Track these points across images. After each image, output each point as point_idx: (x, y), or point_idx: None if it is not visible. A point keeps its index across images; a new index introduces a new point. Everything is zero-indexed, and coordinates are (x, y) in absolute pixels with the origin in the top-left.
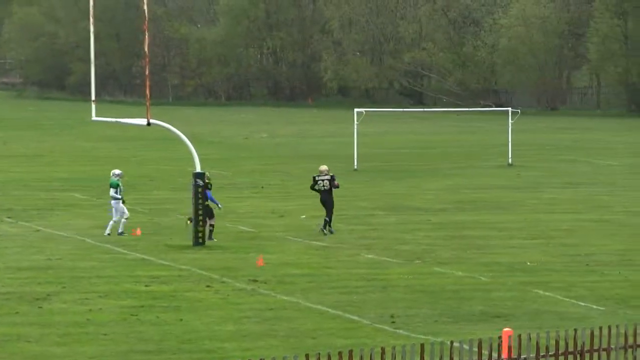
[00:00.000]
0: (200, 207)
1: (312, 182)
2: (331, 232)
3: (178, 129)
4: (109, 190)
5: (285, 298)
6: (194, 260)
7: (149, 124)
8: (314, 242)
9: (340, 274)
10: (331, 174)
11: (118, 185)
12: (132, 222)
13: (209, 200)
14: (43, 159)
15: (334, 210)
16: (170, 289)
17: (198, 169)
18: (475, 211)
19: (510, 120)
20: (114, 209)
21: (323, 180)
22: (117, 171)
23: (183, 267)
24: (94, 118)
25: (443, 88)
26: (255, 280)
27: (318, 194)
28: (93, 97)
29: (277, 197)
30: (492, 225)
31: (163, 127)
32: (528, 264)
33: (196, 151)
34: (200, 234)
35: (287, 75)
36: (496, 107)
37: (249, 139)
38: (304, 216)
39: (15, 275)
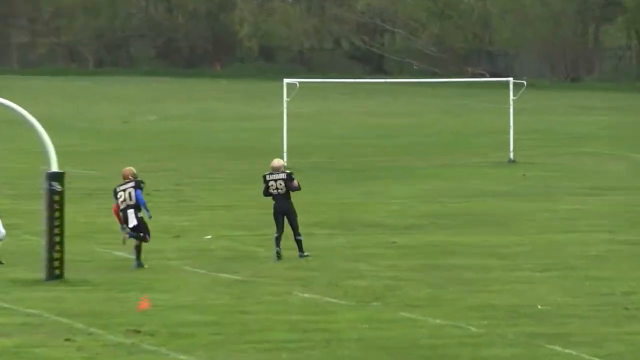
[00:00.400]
0: (57, 223)
1: (262, 185)
2: (307, 255)
3: (25, 109)
4: None
5: (182, 358)
6: (47, 302)
7: None
8: (224, 275)
9: (262, 322)
10: (287, 171)
11: None
12: None
13: (141, 208)
14: None
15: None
16: (13, 343)
17: (54, 168)
18: (461, 229)
19: (511, 97)
20: None
21: (276, 180)
22: None
23: (31, 311)
24: None
25: (413, 49)
26: (138, 332)
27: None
28: None
29: (170, 208)
30: (486, 250)
31: (1, 105)
32: (539, 307)
33: (51, 141)
34: (56, 263)
35: (184, 31)
36: (491, 76)
37: (129, 122)
38: (209, 236)
39: None
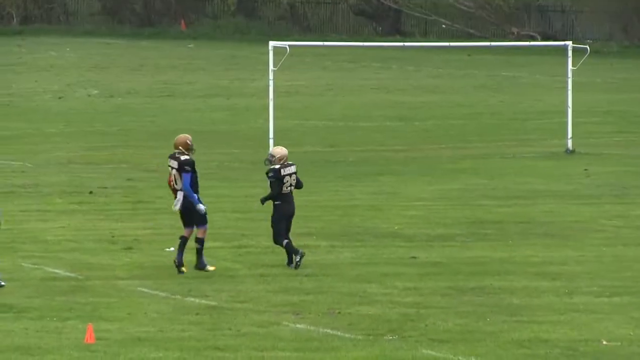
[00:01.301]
0: None
1: (273, 180)
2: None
3: None
4: None
5: None
6: None
7: None
8: (191, 299)
9: None
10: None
11: None
12: None
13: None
14: None
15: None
16: None
17: None
18: (502, 241)
19: (570, 66)
20: None
21: (290, 175)
22: None
23: None
24: None
25: (441, 3)
26: None
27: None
28: None
29: (119, 211)
30: (536, 269)
31: None
32: (604, 343)
33: None
34: None
35: None
36: (543, 40)
37: (63, 98)
38: (171, 248)
39: None
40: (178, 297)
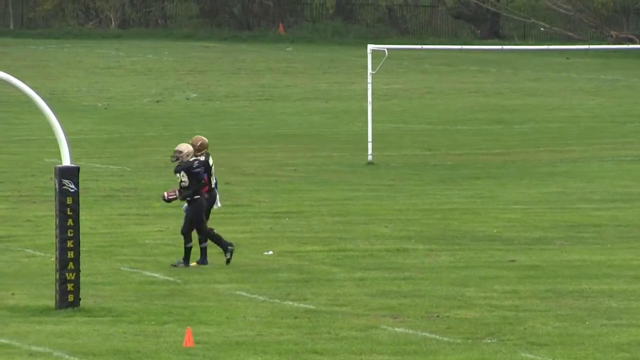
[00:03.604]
0: (70, 234)
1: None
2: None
3: (27, 83)
4: None
5: None
6: (58, 337)
7: None
8: (290, 303)
9: None
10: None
11: None
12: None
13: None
14: None
15: None
16: None
17: (66, 161)
18: (602, 244)
19: None
20: None
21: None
22: None
23: (37, 348)
24: None
25: (539, 6)
26: None
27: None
28: None
29: (218, 215)
30: (634, 272)
31: None
32: None
33: (62, 126)
34: (69, 287)
35: None
36: None
37: (162, 102)
38: (270, 252)
39: None
40: (276, 300)
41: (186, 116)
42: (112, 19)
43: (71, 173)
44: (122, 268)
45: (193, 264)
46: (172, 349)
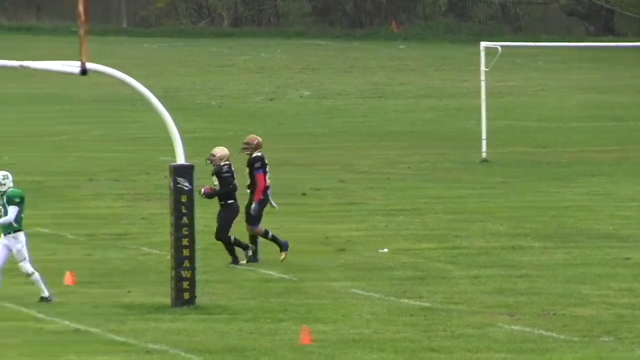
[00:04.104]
0: (185, 232)
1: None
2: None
3: (141, 82)
4: (2, 211)
5: None
6: (174, 334)
7: (84, 71)
8: (405, 301)
9: None
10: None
11: (23, 199)
12: (55, 260)
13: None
14: None
15: None
16: None
17: (180, 159)
18: None
19: None
20: (16, 249)
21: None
22: None
23: (153, 346)
24: None
25: None
26: None
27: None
28: None
29: (332, 212)
30: None
31: (111, 77)
32: None
33: (176, 124)
34: (185, 284)
35: None
36: None
37: (275, 100)
38: (385, 250)
39: None
40: (392, 298)
41: (299, 114)
42: (225, 17)
43: (186, 171)
44: (237, 266)
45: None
46: (288, 347)
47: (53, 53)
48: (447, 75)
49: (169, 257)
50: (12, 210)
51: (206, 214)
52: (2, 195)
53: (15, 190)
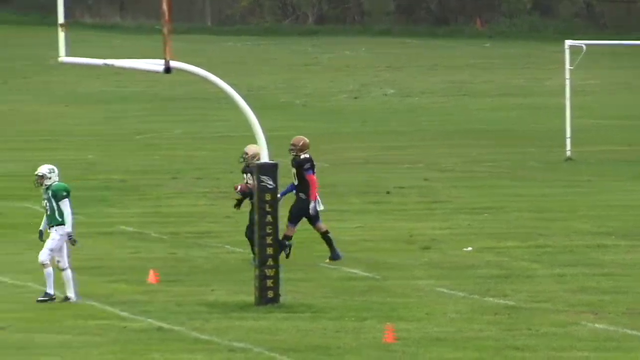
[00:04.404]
0: (269, 230)
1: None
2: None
3: (225, 80)
4: (52, 204)
5: None
6: (258, 332)
7: (168, 69)
8: (489, 299)
9: None
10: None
11: (69, 192)
12: (139, 258)
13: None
14: None
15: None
16: None
17: (264, 158)
18: None
19: None
20: (53, 244)
21: None
22: (45, 169)
23: (237, 344)
24: (62, 58)
25: None
26: None
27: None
28: (61, 19)
29: (416, 211)
30: None
31: (195, 75)
32: None
33: (260, 123)
34: (269, 283)
35: None
36: None
37: (359, 98)
38: (469, 248)
39: None
40: (476, 296)
41: (384, 112)
42: (309, 15)
43: (270, 170)
44: (321, 264)
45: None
46: (372, 345)
47: (137, 51)
48: (531, 74)
49: (252, 256)
50: (66, 205)
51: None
52: (47, 189)
53: (61, 184)
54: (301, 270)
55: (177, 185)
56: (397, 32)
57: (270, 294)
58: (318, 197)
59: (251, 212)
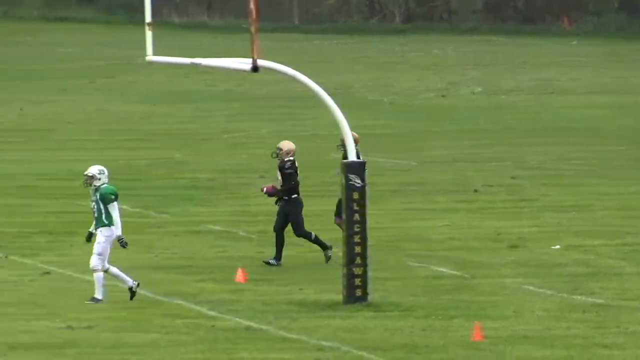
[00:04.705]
0: (357, 229)
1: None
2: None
3: (312, 79)
4: (100, 206)
5: None
6: (346, 331)
7: (255, 68)
8: (577, 297)
9: (628, 359)
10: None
11: (117, 195)
12: (227, 257)
13: None
14: (48, 136)
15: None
16: None
17: (352, 156)
18: None
19: None
20: (100, 248)
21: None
22: (95, 170)
23: (325, 343)
24: (149, 57)
25: None
26: None
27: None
28: (148, 18)
29: (505, 209)
30: None
31: (282, 74)
32: None
33: (348, 121)
34: (357, 281)
35: None
36: None
37: (447, 96)
38: (557, 246)
39: None
40: (564, 294)
41: (471, 110)
42: (396, 14)
43: (358, 168)
44: (408, 263)
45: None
46: (460, 344)
47: (224, 50)
48: (618, 72)
49: (340, 254)
50: (115, 208)
51: (378, 211)
52: (95, 190)
53: (109, 187)
54: (389, 269)
55: (265, 184)
56: (485, 30)
57: (358, 292)
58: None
59: (283, 209)
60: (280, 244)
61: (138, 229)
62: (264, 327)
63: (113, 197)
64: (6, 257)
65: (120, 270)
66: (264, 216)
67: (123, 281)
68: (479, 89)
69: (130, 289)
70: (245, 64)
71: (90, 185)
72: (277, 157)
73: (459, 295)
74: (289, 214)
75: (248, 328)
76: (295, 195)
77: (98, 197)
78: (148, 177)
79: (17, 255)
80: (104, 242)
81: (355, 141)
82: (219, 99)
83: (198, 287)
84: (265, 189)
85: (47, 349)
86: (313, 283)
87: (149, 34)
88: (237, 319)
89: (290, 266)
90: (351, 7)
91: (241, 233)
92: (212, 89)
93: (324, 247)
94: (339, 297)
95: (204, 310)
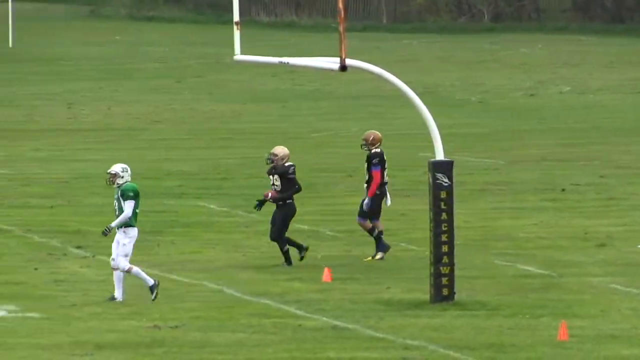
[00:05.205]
0: (444, 228)
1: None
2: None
3: (400, 78)
4: (121, 203)
5: None
6: (432, 330)
7: (343, 67)
8: None
9: None
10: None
11: (137, 193)
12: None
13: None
14: (136, 136)
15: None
16: None
17: (439, 155)
18: None
19: None
20: (126, 249)
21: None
22: (118, 167)
23: (411, 342)
24: (237, 56)
25: None
26: None
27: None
28: (236, 17)
29: (594, 208)
30: None
31: (371, 73)
32: None
33: (435, 120)
34: (444, 280)
35: None
36: None
37: (536, 95)
38: None
39: None
40: None
41: (560, 109)
42: (485, 13)
43: (445, 167)
44: (496, 261)
45: (368, 258)
46: (547, 343)
47: (312, 49)
48: None
49: (427, 253)
50: (129, 205)
51: (466, 210)
52: (118, 187)
53: (130, 184)
54: (475, 268)
55: (353, 183)
56: (574, 29)
57: (445, 291)
58: (388, 193)
59: (274, 214)
60: (292, 244)
61: (226, 228)
62: (350, 326)
63: (131, 194)
64: (94, 256)
65: (122, 279)
66: (351, 215)
67: (117, 288)
68: (568, 88)
69: (113, 298)
70: (333, 63)
71: (114, 183)
72: (271, 162)
73: (546, 294)
74: (280, 216)
75: (335, 327)
76: (290, 201)
77: (119, 194)
78: (236, 176)
79: (104, 254)
80: (128, 243)
81: (377, 141)
82: (306, 98)
83: (285, 286)
84: (270, 195)
85: (134, 348)
86: (400, 282)
87: (236, 33)
88: (324, 318)
89: (377, 265)
90: (439, 7)
91: (328, 232)
92: (300, 88)
93: (298, 248)
94: (426, 296)
95: (291, 309)
